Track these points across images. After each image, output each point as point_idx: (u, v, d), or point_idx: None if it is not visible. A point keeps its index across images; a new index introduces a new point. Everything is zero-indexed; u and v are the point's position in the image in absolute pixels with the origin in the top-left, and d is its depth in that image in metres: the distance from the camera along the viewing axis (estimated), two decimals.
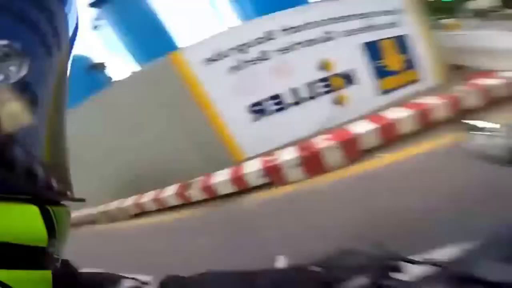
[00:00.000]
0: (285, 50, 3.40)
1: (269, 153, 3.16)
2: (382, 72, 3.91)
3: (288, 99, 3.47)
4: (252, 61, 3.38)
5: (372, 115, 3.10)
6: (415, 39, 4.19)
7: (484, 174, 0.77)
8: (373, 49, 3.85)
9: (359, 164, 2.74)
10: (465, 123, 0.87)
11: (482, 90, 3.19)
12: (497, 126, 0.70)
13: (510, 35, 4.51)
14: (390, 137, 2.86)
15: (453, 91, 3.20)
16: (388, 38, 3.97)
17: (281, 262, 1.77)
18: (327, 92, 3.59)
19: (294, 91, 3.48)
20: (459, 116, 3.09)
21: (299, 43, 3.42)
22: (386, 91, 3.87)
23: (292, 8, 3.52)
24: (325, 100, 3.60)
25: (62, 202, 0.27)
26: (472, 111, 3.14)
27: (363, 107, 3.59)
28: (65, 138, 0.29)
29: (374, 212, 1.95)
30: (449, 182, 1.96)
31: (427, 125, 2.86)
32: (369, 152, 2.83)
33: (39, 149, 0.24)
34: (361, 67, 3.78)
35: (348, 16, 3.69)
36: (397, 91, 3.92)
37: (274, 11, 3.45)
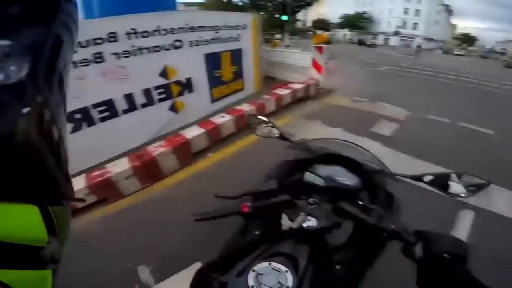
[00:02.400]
0: (125, 54, 3.14)
1: (98, 166, 2.90)
2: (216, 82, 4.42)
3: (122, 105, 3.25)
4: (83, 62, 2.86)
5: (202, 121, 3.52)
6: (247, 53, 4.94)
7: (280, 153, 1.17)
8: (213, 60, 4.23)
9: (191, 165, 3.08)
10: (252, 117, 1.27)
11: (277, 98, 4.47)
12: (268, 120, 1.20)
13: (300, 53, 6.30)
14: (216, 139, 3.45)
15: (260, 99, 4.29)
16: (227, 50, 4.46)
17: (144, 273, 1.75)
18: (165, 99, 3.68)
19: (129, 97, 3.33)
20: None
21: (143, 49, 3.24)
22: (217, 99, 4.48)
23: (144, 13, 3.24)
24: (163, 107, 3.69)
25: (62, 202, 0.26)
26: (272, 113, 4.39)
27: (198, 114, 4.03)
28: (66, 137, 0.27)
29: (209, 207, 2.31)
30: (261, 165, 2.70)
31: (242, 127, 3.66)
32: (200, 153, 3.26)
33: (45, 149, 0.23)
34: (201, 76, 4.10)
35: (198, 27, 3.86)
36: (226, 99, 4.61)
37: (125, 13, 3.07)
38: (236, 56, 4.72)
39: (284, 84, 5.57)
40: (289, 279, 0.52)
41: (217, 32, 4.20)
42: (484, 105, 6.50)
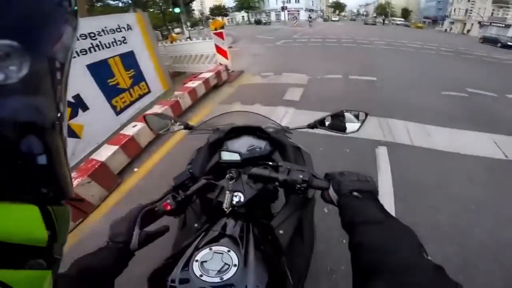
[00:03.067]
0: None
1: None
2: (114, 91, 3.89)
3: None
4: None
5: (114, 137, 3.10)
6: (141, 53, 4.46)
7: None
8: (101, 69, 3.66)
9: (120, 187, 2.74)
10: (148, 117, 1.12)
11: (190, 91, 4.32)
12: (165, 114, 1.15)
13: (202, 42, 6.15)
14: (136, 151, 3.12)
15: (172, 97, 4.05)
16: (115, 56, 3.92)
17: None
18: None
19: None
20: (182, 115, 4.09)
21: None
22: (122, 109, 3.97)
23: None
24: None
25: (62, 202, 0.25)
26: (190, 107, 4.25)
27: (105, 131, 3.50)
28: (65, 136, 0.26)
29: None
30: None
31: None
32: (124, 171, 2.92)
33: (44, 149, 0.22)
34: (91, 90, 3.50)
35: None
36: (131, 107, 4.14)
37: None
38: (129, 59, 4.23)
39: (194, 76, 5.42)
40: (234, 257, 0.53)
41: (94, 39, 3.64)
42: (364, 59, 8.06)
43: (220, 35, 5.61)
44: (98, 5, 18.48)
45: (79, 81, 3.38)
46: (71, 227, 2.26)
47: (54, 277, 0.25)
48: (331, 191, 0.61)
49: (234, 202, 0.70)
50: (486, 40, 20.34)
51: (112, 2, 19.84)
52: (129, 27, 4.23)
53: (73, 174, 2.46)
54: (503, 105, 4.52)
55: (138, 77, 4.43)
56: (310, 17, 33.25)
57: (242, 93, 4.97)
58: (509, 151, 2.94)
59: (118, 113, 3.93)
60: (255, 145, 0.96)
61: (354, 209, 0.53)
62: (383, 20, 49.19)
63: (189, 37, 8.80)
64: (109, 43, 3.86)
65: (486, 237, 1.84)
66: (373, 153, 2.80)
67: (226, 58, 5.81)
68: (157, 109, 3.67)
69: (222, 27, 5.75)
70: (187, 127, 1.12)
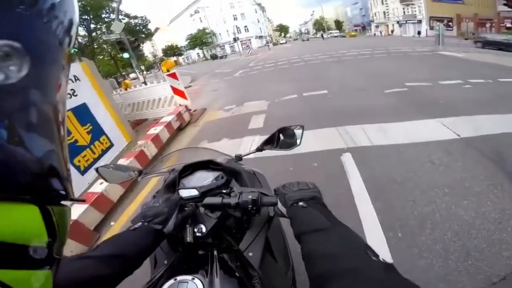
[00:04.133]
0: None
1: None
2: (73, 150, 3.68)
3: None
4: None
5: (84, 196, 2.96)
6: (95, 105, 4.28)
7: None
8: None
9: (98, 241, 2.59)
10: (100, 168, 1.07)
11: (153, 138, 4.24)
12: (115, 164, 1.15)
13: (157, 86, 6.09)
14: (108, 207, 2.99)
15: (137, 147, 3.95)
16: (67, 110, 3.74)
17: None
18: None
19: None
20: (148, 166, 3.97)
21: None
22: (86, 169, 3.76)
23: None
24: None
25: (62, 202, 0.25)
26: (156, 155, 4.17)
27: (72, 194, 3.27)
28: (65, 136, 0.27)
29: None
30: None
31: (129, 184, 3.27)
32: (101, 225, 2.83)
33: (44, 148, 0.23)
34: None
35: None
36: (97, 163, 3.94)
37: None
38: (82, 112, 4.05)
39: (156, 121, 5.37)
40: (199, 285, 0.54)
41: None
42: (313, 74, 8.85)
43: (173, 75, 5.70)
44: None
45: None
46: None
47: (54, 277, 0.24)
48: (280, 205, 0.64)
49: (197, 234, 0.72)
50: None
51: None
52: (76, 78, 4.09)
53: None
54: (439, 91, 5.17)
55: (97, 131, 4.24)
56: (268, 43, 36.03)
57: (207, 131, 5.04)
58: (460, 130, 3.20)
59: (83, 172, 3.71)
60: (210, 177, 0.97)
61: (301, 219, 0.54)
62: (322, 35, 54.56)
63: (145, 82, 8.79)
64: None
65: (473, 216, 1.90)
66: (339, 161, 2.94)
67: (185, 98, 5.88)
68: (122, 162, 3.53)
69: (174, 68, 5.89)
70: (141, 172, 1.12)
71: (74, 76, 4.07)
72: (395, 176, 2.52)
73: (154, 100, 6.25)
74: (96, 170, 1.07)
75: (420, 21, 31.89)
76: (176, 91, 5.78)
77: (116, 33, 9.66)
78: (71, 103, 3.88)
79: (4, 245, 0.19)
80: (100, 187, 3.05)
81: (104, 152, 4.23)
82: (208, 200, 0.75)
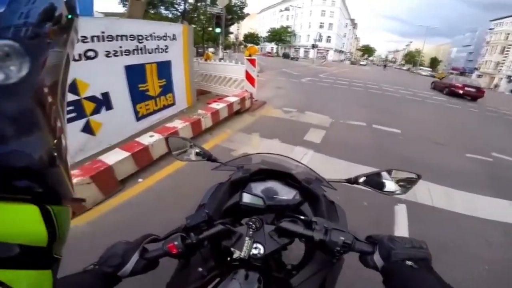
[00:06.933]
0: None
1: None
2: (141, 97, 3.92)
3: None
4: None
5: (126, 143, 3.06)
6: (177, 65, 4.56)
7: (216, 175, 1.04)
8: (136, 73, 3.72)
9: (119, 194, 2.64)
10: (173, 140, 1.09)
11: (213, 113, 4.33)
12: (190, 141, 1.09)
13: (234, 66, 6.27)
14: (146, 162, 3.04)
15: (195, 115, 4.06)
16: (153, 62, 4.00)
17: None
18: (75, 119, 3.00)
19: None
20: (200, 135, 4.06)
21: None
22: (143, 116, 3.98)
23: None
24: (74, 128, 3.00)
25: (62, 202, 0.25)
26: (209, 129, 4.23)
27: (121, 134, 3.49)
28: (65, 136, 0.27)
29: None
30: (197, 188, 2.48)
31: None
32: (129, 179, 2.83)
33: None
34: (121, 90, 3.55)
35: (117, 36, 3.30)
36: (152, 116, 4.15)
37: None
38: (164, 68, 4.32)
39: (219, 97, 5.49)
40: None
41: (141, 42, 3.76)
42: (389, 108, 7.98)
43: (253, 62, 5.77)
44: (152, 12, 19.91)
45: (112, 80, 3.46)
46: None
47: (54, 277, 0.24)
48: (377, 257, 0.56)
49: (251, 253, 0.63)
50: None
51: (164, 12, 21.21)
52: (174, 37, 4.37)
53: (75, 172, 2.39)
54: None
55: (168, 88, 4.51)
56: (324, 57, 34.88)
57: (262, 125, 4.94)
58: None
59: (138, 119, 3.95)
60: (282, 192, 0.86)
61: (407, 279, 0.49)
62: (409, 69, 50.24)
63: (222, 58, 9.15)
64: (152, 49, 3.98)
65: None
66: (392, 209, 2.70)
67: (253, 86, 5.92)
68: (178, 123, 3.65)
69: (255, 55, 5.93)
70: (210, 159, 1.04)
71: (173, 35, 4.38)
72: (445, 244, 2.29)
73: (225, 78, 6.44)
74: (166, 138, 1.05)
75: None
76: (249, 77, 5.83)
77: (218, 7, 10.27)
78: (161, 57, 4.17)
79: (4, 245, 0.19)
80: (148, 139, 3.14)
81: (165, 107, 4.47)
82: (286, 225, 0.63)
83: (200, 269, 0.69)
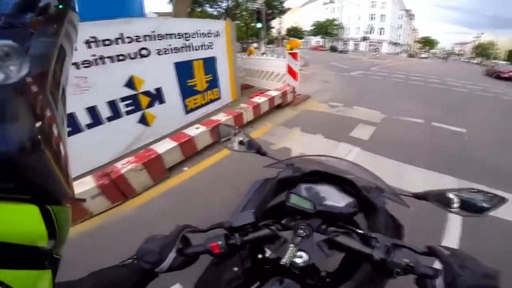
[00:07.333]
0: (85, 64, 2.83)
1: None
2: (190, 91, 4.20)
3: (85, 119, 2.93)
4: None
5: (175, 134, 3.29)
6: (221, 61, 4.77)
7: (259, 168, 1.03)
8: (184, 69, 4.00)
9: (166, 181, 2.86)
10: (224, 127, 1.11)
11: (254, 106, 4.35)
12: (241, 131, 1.07)
13: (276, 60, 6.23)
14: (191, 152, 3.23)
15: (237, 108, 4.14)
16: (199, 59, 4.26)
17: None
18: (133, 111, 3.40)
19: (92, 110, 3.00)
20: (242, 127, 4.12)
21: (105, 58, 2.94)
22: (191, 110, 4.25)
23: (104, 20, 2.91)
24: (131, 120, 3.41)
25: (62, 202, 0.25)
26: (250, 122, 4.27)
27: (171, 126, 3.79)
28: (65, 136, 0.27)
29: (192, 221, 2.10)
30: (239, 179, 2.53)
31: (217, 140, 3.47)
32: (175, 167, 3.04)
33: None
34: (172, 86, 3.87)
35: (166, 35, 3.62)
36: (200, 109, 4.40)
37: (85, 21, 2.71)
38: (210, 64, 4.55)
39: (261, 91, 5.49)
40: None
41: (187, 40, 4.01)
42: (453, 105, 6.84)
43: (294, 55, 5.61)
44: (198, 10, 21.15)
45: (164, 76, 3.77)
46: (107, 206, 2.45)
47: (54, 277, 0.24)
48: (439, 281, 0.48)
49: (294, 260, 0.58)
50: None
51: (209, 9, 22.32)
52: (217, 34, 4.54)
53: (130, 159, 2.66)
54: None
55: (214, 83, 4.73)
56: (377, 50, 31.94)
57: (304, 119, 4.77)
58: None
59: (187, 112, 4.24)
60: (336, 198, 0.77)
61: None
62: (481, 62, 43.14)
63: (265, 53, 9.15)
64: (198, 46, 4.21)
65: None
66: (444, 216, 2.32)
67: (296, 79, 5.76)
68: (222, 116, 3.78)
69: (297, 48, 5.74)
70: (260, 152, 1.00)
71: (217, 31, 4.55)
72: (503, 258, 1.72)
73: (268, 72, 6.43)
74: (218, 125, 1.04)
75: None
76: (291, 71, 5.69)
77: (258, 2, 10.33)
78: (206, 53, 4.38)
79: (4, 245, 0.18)
80: (194, 131, 3.32)
81: (211, 101, 4.69)
82: (341, 239, 0.59)
83: (235, 268, 0.67)
